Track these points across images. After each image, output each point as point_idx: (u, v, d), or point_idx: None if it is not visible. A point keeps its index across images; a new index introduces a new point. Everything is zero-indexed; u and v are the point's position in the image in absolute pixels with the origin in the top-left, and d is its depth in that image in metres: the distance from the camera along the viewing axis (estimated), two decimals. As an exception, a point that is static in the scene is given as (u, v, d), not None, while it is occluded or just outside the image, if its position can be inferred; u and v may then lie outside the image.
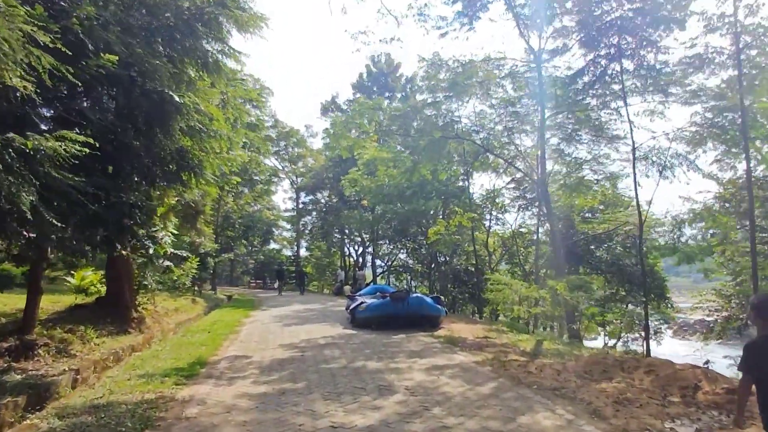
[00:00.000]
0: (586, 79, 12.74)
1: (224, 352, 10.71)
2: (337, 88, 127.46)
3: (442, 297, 16.15)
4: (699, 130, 11.85)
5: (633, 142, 11.11)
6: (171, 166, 10.38)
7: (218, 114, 10.81)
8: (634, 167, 10.98)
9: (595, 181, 25.11)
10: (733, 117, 14.10)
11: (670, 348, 23.24)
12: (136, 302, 13.18)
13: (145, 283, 12.95)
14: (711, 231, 23.46)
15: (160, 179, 10.22)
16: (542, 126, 18.48)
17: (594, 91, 13.67)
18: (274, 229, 44.35)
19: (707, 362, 10.73)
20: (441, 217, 25.30)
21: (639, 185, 10.95)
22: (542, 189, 17.68)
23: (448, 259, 32.26)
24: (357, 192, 26.76)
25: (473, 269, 28.84)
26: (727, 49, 10.14)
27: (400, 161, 19.01)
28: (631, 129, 11.36)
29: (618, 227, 24.06)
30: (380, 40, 17.92)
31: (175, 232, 16.03)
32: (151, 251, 11.16)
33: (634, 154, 11.15)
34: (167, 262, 12.80)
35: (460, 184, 27.36)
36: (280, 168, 45.02)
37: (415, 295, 14.79)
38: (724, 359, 19.45)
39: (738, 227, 20.37)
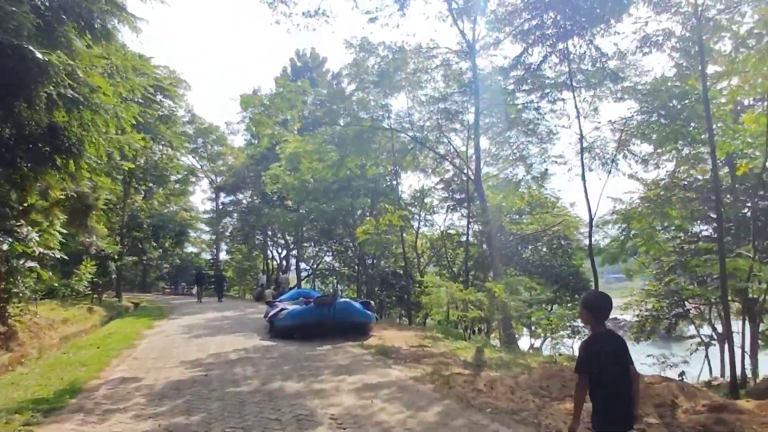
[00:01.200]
0: (526, 65, 11.90)
1: (110, 374, 8.79)
2: (260, 83, 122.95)
3: (372, 302, 14.75)
4: (644, 119, 11.24)
5: (581, 131, 10.34)
6: (41, 145, 8.40)
7: (104, 84, 8.90)
8: (582, 157, 10.18)
9: (525, 181, 24.89)
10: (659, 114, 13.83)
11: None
12: (6, 313, 10.89)
13: (15, 290, 10.66)
14: (633, 232, 23.80)
15: (22, 160, 8.19)
16: (477, 118, 17.68)
17: (535, 79, 12.86)
18: (189, 231, 41.28)
19: (682, 374, 10.04)
20: (369, 216, 24.02)
21: (583, 179, 10.08)
22: (477, 185, 16.80)
23: (375, 261, 31.13)
24: (279, 189, 24.92)
25: (401, 272, 27.86)
26: (679, 31, 9.57)
27: (325, 154, 17.52)
28: (578, 116, 10.58)
29: (548, 227, 23.82)
30: (303, 14, 16.10)
31: (63, 230, 13.75)
32: (5, 247, 9.01)
33: (582, 144, 10.37)
34: (30, 263, 10.55)
35: (388, 184, 26.30)
36: (198, 167, 42.12)
37: (342, 299, 13.28)
38: (648, 358, 19.43)
39: (659, 228, 20.44)
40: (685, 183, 21.82)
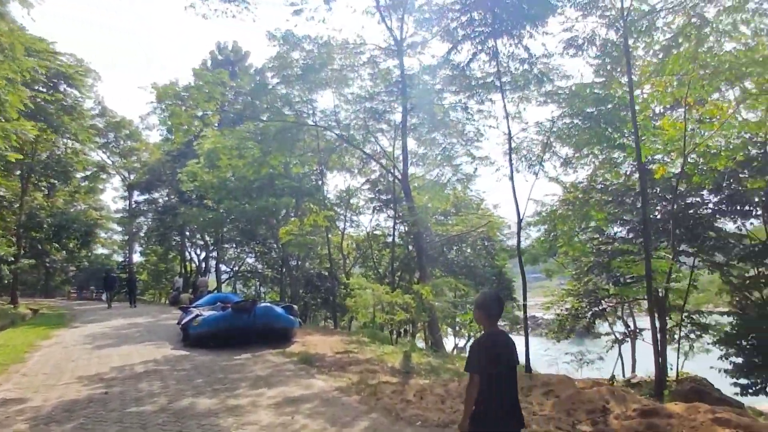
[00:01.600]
0: (454, 64, 11.75)
1: (-10, 395, 7.65)
2: (180, 76, 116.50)
3: (295, 306, 14.00)
4: (567, 123, 11.28)
5: (509, 130, 10.21)
6: None
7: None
8: (510, 157, 10.05)
9: (451, 183, 25.12)
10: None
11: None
12: None
13: None
14: (553, 233, 24.56)
15: None
16: (404, 117, 17.41)
17: (463, 79, 12.70)
18: (99, 231, 38.31)
19: (613, 378, 10.10)
20: (294, 216, 23.12)
21: (511, 179, 9.94)
22: (404, 185, 16.51)
23: (300, 263, 30.30)
24: (197, 187, 23.39)
25: (327, 273, 27.25)
26: (603, 34, 9.66)
27: (246, 150, 16.51)
28: (507, 116, 10.48)
29: (474, 229, 24.10)
30: (221, -5, 15.06)
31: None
32: None
33: (510, 144, 10.26)
34: None
35: (314, 183, 25.62)
36: (109, 163, 39.30)
37: (263, 304, 12.48)
38: (566, 355, 20.00)
39: (577, 230, 21.15)
40: (602, 186, 22.85)
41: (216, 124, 20.07)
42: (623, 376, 20.75)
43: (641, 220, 9.18)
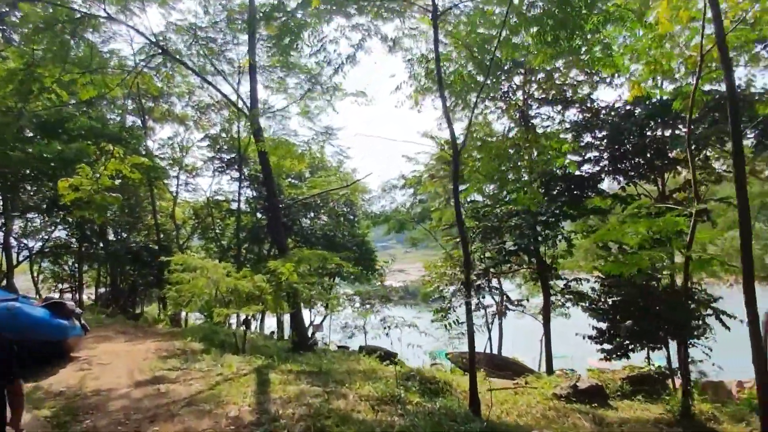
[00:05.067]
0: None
1: None
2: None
3: (70, 303, 8.46)
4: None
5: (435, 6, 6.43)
6: None
7: None
8: (436, 42, 6.30)
9: (311, 140, 21.87)
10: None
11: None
12: None
13: None
14: (421, 197, 21.94)
15: None
16: (252, 46, 12.94)
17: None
18: None
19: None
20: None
21: (439, 82, 6.15)
22: (254, 121, 11.94)
23: (126, 235, 24.33)
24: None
25: (156, 247, 22.00)
26: None
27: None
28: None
29: (335, 189, 20.69)
30: None
31: None
32: None
33: (436, 20, 6.47)
34: None
35: (127, 126, 20.21)
36: None
37: (7, 303, 7.20)
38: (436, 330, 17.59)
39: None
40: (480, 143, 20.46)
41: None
42: (498, 351, 19.04)
43: (733, 156, 5.34)
